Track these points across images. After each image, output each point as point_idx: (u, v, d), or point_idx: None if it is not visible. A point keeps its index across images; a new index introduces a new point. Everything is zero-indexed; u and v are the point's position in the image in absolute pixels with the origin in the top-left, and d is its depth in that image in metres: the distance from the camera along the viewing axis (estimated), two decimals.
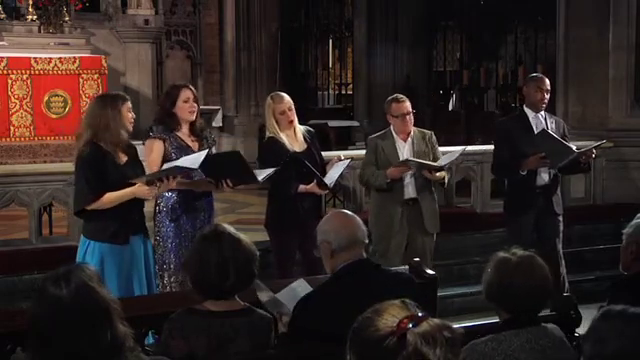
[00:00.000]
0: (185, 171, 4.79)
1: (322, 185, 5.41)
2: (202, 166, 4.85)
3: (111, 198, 4.58)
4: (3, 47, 10.36)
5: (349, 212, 3.38)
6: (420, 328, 1.73)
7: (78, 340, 2.07)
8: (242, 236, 3.10)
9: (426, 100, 12.45)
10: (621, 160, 8.44)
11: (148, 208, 4.99)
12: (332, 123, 12.08)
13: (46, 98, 9.80)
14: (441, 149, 6.00)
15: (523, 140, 5.89)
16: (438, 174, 5.74)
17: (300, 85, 13.85)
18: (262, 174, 5.16)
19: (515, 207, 6.12)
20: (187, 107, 5.12)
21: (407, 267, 4.08)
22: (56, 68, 9.87)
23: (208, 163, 4.85)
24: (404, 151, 5.79)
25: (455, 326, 1.79)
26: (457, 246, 7.19)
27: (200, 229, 4.63)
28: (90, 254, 4.63)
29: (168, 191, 5.00)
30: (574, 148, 5.85)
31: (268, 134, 5.50)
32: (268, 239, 5.61)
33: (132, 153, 4.78)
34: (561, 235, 6.14)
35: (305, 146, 5.54)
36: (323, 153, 5.79)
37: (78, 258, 4.64)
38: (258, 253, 3.13)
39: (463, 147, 6.45)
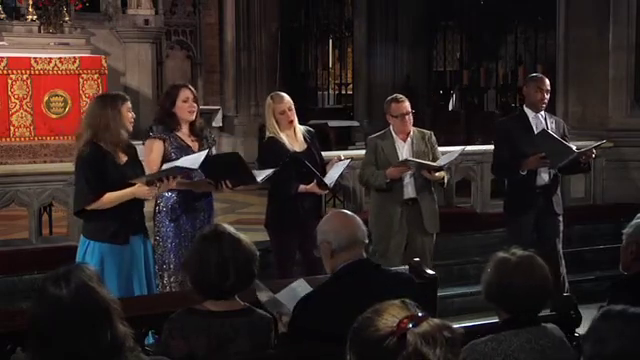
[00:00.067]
0: (185, 171, 4.79)
1: (322, 185, 5.41)
2: (202, 167, 4.85)
3: (111, 198, 4.58)
4: (3, 47, 10.35)
5: (349, 212, 3.38)
6: (420, 328, 1.73)
7: (78, 340, 2.07)
8: (242, 236, 3.10)
9: (426, 100, 12.44)
10: (621, 160, 8.43)
11: (148, 208, 4.98)
12: (332, 123, 12.08)
13: (46, 98, 9.80)
14: (441, 149, 6.00)
15: (523, 140, 5.89)
16: (437, 174, 5.74)
17: (300, 85, 13.83)
18: (261, 175, 5.17)
19: (515, 207, 6.12)
20: (187, 107, 5.12)
21: (407, 267, 4.08)
22: (56, 68, 9.87)
23: (208, 164, 4.85)
24: (403, 151, 5.79)
25: (455, 326, 1.79)
26: (457, 246, 7.19)
27: (200, 229, 4.63)
28: (90, 254, 4.63)
29: (168, 191, 5.00)
30: (574, 148, 5.85)
31: (268, 134, 5.50)
32: (268, 239, 5.61)
33: (132, 153, 4.78)
34: (561, 235, 6.13)
35: (305, 146, 5.54)
36: (323, 153, 5.78)
37: (78, 258, 4.64)
38: (258, 253, 3.13)
39: (462, 147, 6.45)
